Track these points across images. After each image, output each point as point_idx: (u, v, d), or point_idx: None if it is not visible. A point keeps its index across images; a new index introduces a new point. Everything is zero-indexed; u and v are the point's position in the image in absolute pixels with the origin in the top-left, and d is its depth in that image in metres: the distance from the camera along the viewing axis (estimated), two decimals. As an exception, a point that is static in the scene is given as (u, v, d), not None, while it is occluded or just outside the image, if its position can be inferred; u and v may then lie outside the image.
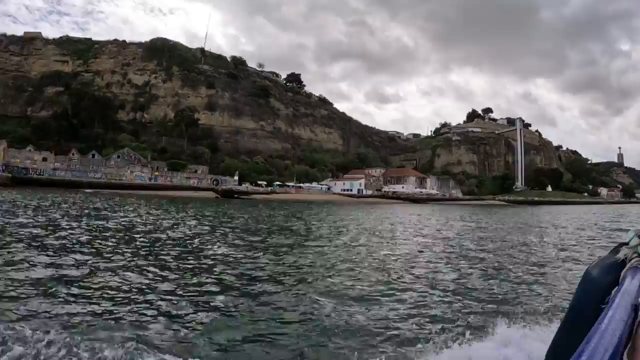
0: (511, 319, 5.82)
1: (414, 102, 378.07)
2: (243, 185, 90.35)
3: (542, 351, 1.03)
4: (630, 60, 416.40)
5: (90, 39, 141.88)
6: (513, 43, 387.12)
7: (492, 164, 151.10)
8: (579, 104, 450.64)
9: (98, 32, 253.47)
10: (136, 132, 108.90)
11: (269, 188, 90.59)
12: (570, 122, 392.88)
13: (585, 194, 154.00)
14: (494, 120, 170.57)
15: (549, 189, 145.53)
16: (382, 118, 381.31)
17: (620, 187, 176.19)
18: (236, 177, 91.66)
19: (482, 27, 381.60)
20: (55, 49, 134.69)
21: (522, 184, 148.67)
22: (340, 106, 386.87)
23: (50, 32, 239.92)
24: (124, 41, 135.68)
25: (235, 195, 78.82)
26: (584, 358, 0.74)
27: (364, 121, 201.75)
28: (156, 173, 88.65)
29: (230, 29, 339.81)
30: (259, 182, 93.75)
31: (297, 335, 5.59)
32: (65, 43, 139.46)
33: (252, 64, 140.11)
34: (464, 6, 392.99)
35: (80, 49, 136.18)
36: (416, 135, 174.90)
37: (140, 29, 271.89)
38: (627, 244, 1.20)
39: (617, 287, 1.04)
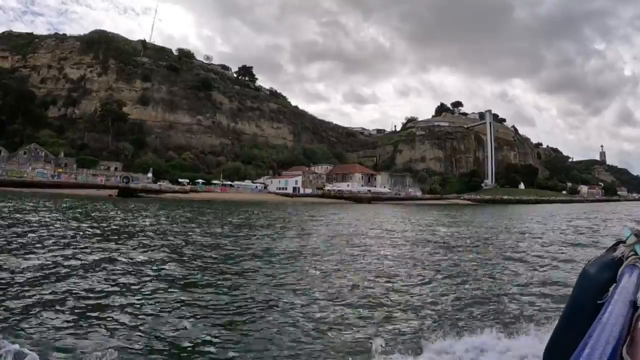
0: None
1: (392, 102, 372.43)
2: (158, 183, 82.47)
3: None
4: (606, 60, 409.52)
5: (31, 34, 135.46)
6: (488, 43, 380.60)
7: (460, 160, 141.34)
8: (556, 104, 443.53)
9: (72, 34, 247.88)
10: (62, 127, 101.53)
11: (189, 186, 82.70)
12: (549, 122, 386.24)
13: (564, 192, 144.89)
14: (465, 114, 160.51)
15: (522, 186, 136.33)
16: (360, 118, 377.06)
17: (602, 184, 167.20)
18: (149, 175, 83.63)
19: (457, 27, 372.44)
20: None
21: (492, 182, 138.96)
22: (318, 107, 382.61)
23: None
24: (63, 34, 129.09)
25: (140, 194, 71.29)
26: (587, 351, 0.76)
27: (343, 122, 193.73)
28: (60, 170, 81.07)
29: (205, 30, 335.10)
30: (181, 180, 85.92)
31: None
32: (5, 38, 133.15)
33: (230, 64, 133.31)
34: (437, 6, 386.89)
35: (20, 43, 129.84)
36: (380, 131, 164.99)
37: (113, 31, 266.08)
38: (624, 242, 1.21)
39: (614, 284, 1.04)
